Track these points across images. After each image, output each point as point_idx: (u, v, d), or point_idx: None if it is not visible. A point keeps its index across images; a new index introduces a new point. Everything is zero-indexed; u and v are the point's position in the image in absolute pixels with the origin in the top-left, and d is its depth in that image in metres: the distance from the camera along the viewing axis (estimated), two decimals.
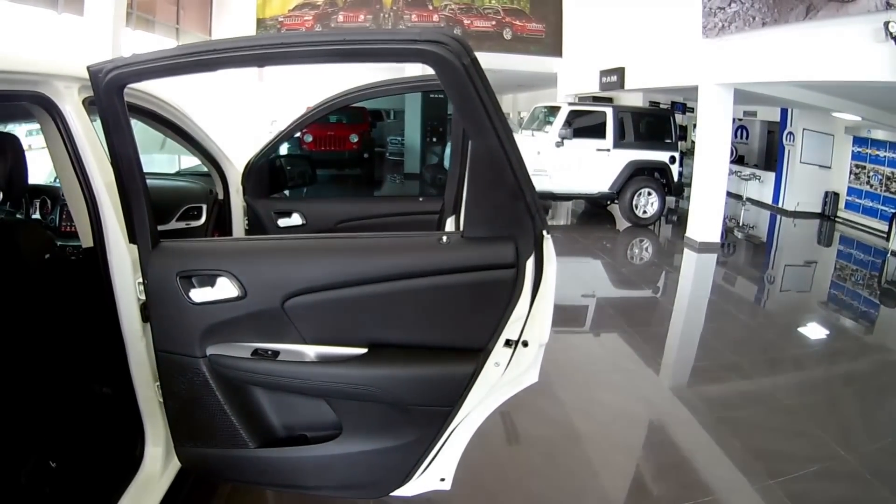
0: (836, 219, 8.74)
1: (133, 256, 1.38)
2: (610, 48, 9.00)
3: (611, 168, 7.59)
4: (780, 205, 9.37)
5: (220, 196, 2.36)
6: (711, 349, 3.80)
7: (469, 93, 1.13)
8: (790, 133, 9.07)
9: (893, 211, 7.35)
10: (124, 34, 7.30)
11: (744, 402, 3.00)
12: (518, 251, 1.25)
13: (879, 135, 8.02)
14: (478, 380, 1.28)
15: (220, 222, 2.40)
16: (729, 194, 7.63)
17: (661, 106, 9.81)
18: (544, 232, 1.26)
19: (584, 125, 7.60)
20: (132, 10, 7.90)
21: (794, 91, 6.18)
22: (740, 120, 10.43)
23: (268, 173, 2.50)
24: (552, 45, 11.03)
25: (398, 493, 1.44)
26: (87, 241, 1.45)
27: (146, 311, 1.40)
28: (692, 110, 10.06)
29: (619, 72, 8.68)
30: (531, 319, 1.27)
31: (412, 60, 1.15)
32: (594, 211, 8.80)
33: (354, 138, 11.34)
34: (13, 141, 1.44)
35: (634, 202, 7.60)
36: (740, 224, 8.20)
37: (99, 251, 1.41)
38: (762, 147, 10.63)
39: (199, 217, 2.42)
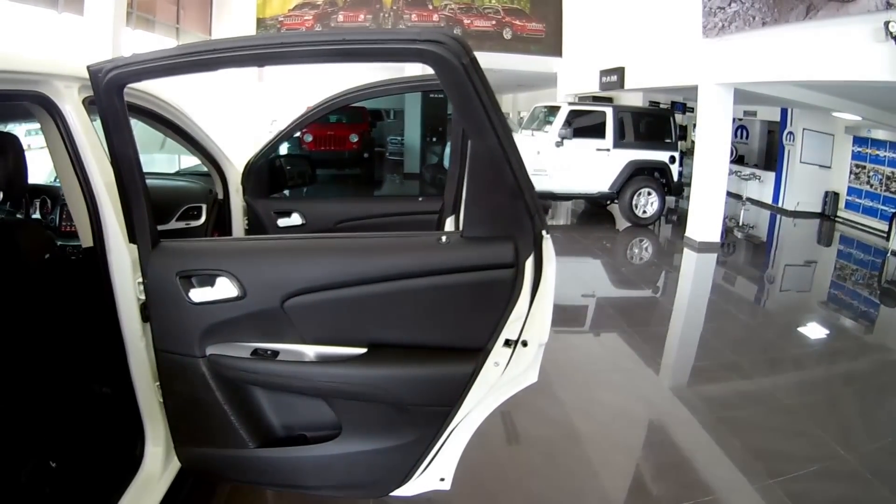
0: (836, 218, 8.74)
1: (133, 256, 1.38)
2: (610, 48, 8.99)
3: (611, 168, 7.59)
4: (780, 204, 9.37)
5: (220, 196, 2.36)
6: (711, 349, 3.80)
7: (468, 92, 1.13)
8: (790, 133, 9.07)
9: (893, 211, 7.35)
10: (124, 34, 7.30)
11: (744, 401, 3.00)
12: (517, 251, 1.25)
13: (879, 134, 8.02)
14: (477, 379, 1.28)
15: (220, 222, 2.40)
16: (729, 194, 7.62)
17: (661, 106, 9.81)
18: (543, 232, 1.26)
19: (583, 125, 7.59)
20: (132, 10, 7.90)
21: (794, 91, 6.17)
22: (740, 120, 10.43)
23: (267, 173, 2.50)
24: (552, 44, 11.03)
25: (398, 492, 1.44)
26: (87, 240, 1.45)
27: (146, 311, 1.40)
28: (692, 110, 10.06)
29: (619, 71, 8.68)
30: (530, 319, 1.27)
31: (411, 60, 1.16)
32: (594, 211, 8.80)
33: (354, 138, 11.34)
34: (13, 141, 1.44)
35: (634, 202, 7.60)
36: (740, 224, 8.20)
37: (99, 251, 1.41)
38: (762, 147, 10.63)
39: (198, 217, 2.42)
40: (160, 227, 1.50)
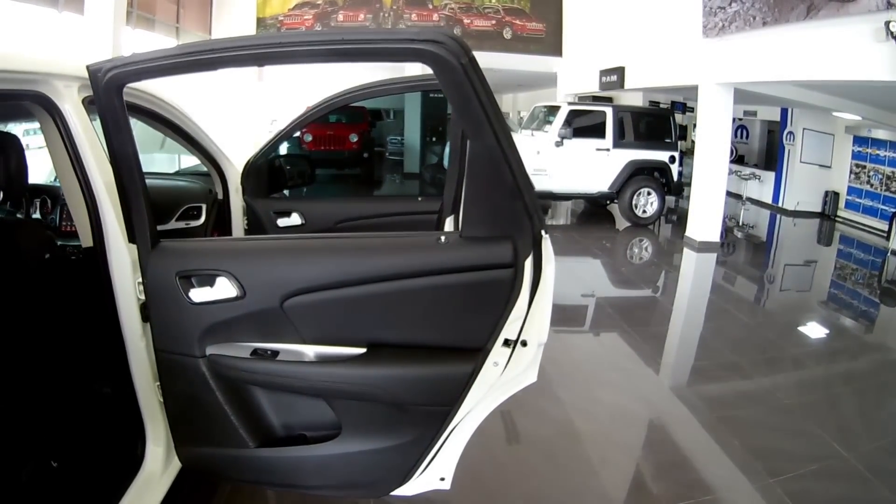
0: (836, 218, 8.74)
1: (133, 256, 1.38)
2: (610, 48, 8.99)
3: (610, 168, 7.58)
4: (780, 204, 9.37)
5: (220, 196, 2.36)
6: (711, 348, 3.80)
7: (467, 92, 1.13)
8: (790, 132, 9.07)
9: (893, 210, 7.35)
10: (124, 33, 7.30)
11: (743, 401, 3.00)
12: (516, 251, 1.25)
13: (880, 134, 8.02)
14: (477, 379, 1.28)
15: (220, 222, 2.40)
16: (729, 194, 7.62)
17: (661, 105, 9.81)
18: (543, 231, 1.26)
19: (583, 125, 7.59)
20: (132, 9, 7.89)
21: (794, 91, 6.18)
22: (740, 120, 10.43)
23: (267, 173, 2.50)
24: (552, 44, 11.03)
25: (398, 492, 1.44)
26: (86, 240, 1.45)
27: (146, 311, 1.40)
28: (692, 110, 10.06)
29: (619, 71, 8.67)
30: (530, 319, 1.27)
31: (411, 60, 1.16)
32: (594, 210, 8.79)
33: (354, 138, 11.33)
34: (13, 140, 1.44)
35: (634, 202, 7.59)
36: (740, 223, 8.20)
37: (99, 251, 1.41)
38: (762, 146, 10.63)
39: (198, 217, 2.42)
40: (160, 227, 1.51)
